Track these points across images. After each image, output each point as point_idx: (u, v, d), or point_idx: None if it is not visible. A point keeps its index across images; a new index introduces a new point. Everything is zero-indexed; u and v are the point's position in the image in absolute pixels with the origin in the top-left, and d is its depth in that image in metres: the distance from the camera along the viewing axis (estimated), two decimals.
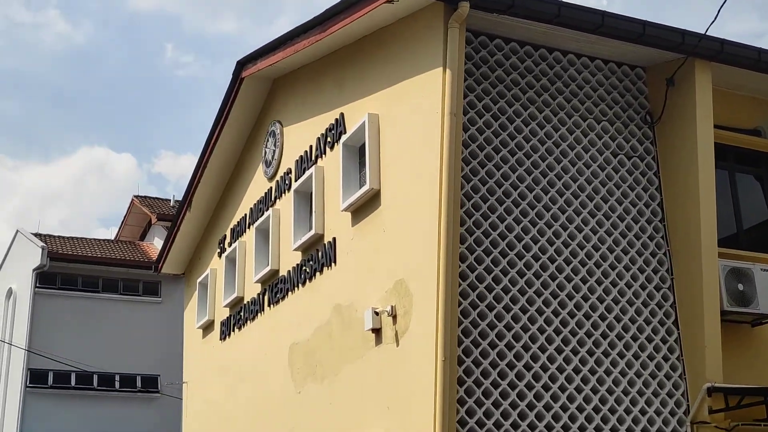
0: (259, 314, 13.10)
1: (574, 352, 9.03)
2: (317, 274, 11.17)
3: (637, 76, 10.15)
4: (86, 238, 29.35)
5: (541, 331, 8.94)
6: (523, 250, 9.09)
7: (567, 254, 9.27)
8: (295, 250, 11.74)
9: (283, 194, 12.58)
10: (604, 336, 9.21)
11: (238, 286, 13.84)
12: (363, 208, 10.09)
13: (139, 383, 26.72)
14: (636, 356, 9.28)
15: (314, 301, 11.19)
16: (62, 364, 24.46)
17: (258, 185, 13.65)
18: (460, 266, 8.62)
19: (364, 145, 10.14)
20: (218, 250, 15.20)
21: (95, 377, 26.12)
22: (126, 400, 26.46)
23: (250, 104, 13.72)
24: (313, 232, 11.21)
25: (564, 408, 8.81)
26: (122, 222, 31.68)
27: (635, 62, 10.10)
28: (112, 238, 31.57)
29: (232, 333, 14.23)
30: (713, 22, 9.14)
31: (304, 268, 11.57)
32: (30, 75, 68.64)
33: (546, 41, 9.66)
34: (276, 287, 12.47)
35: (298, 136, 12.31)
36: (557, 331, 9.01)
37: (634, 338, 9.34)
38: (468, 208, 8.93)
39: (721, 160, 10.08)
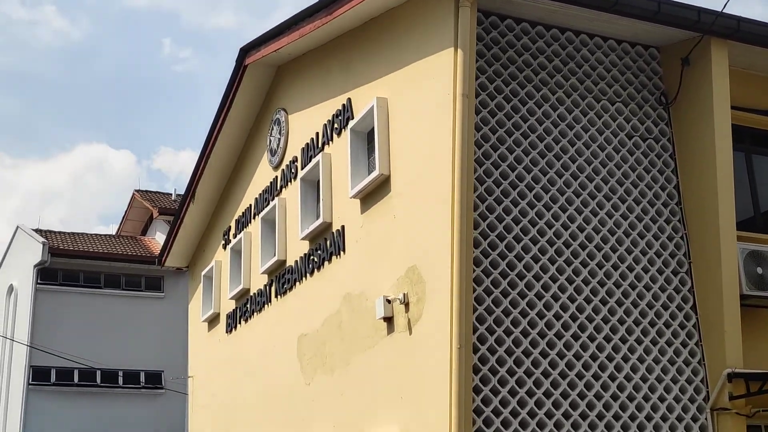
0: (266, 306, 12.90)
1: (591, 338, 8.83)
2: (326, 263, 10.96)
3: (651, 56, 9.93)
4: (87, 234, 29.15)
5: (557, 317, 8.73)
6: (537, 235, 8.88)
7: (582, 238, 9.06)
8: (303, 239, 11.53)
9: (289, 183, 12.36)
10: (621, 322, 9.00)
11: (244, 278, 13.64)
12: (372, 194, 9.87)
13: (142, 379, 26.53)
14: (654, 342, 9.08)
15: (323, 291, 10.98)
16: (65, 360, 24.28)
17: (263, 175, 13.44)
18: (473, 252, 8.41)
19: (372, 130, 9.92)
20: (223, 242, 14.99)
21: (98, 374, 25.94)
22: (130, 397, 26.29)
23: (254, 92, 13.50)
24: (320, 220, 11.00)
25: (581, 395, 8.61)
26: (123, 217, 31.47)
27: (649, 42, 9.88)
28: (114, 234, 31.35)
29: (238, 325, 14.03)
30: None
31: (312, 257, 11.36)
32: (27, 72, 68.43)
33: (557, 21, 9.44)
34: (283, 278, 12.26)
35: (304, 123, 12.09)
36: (573, 317, 8.80)
37: (652, 324, 9.13)
38: (481, 192, 8.71)
39: (737, 142, 9.86)
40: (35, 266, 25.84)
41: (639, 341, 9.02)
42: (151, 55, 73.02)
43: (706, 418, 9.02)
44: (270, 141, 13.19)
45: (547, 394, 8.47)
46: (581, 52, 9.61)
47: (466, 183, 8.26)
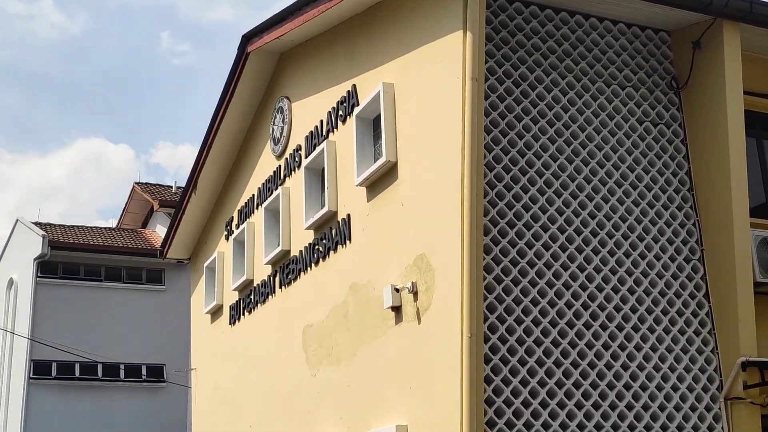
0: (270, 297, 12.73)
1: (603, 327, 8.67)
2: (331, 252, 10.79)
3: (662, 41, 9.76)
4: (87, 227, 28.95)
5: (569, 305, 8.57)
6: (548, 222, 8.71)
7: (593, 225, 8.90)
8: (307, 228, 11.36)
9: (293, 172, 12.19)
10: (633, 310, 8.85)
11: (248, 269, 13.47)
12: (379, 182, 9.70)
13: (144, 373, 26.39)
14: (666, 330, 8.93)
15: (329, 281, 10.82)
16: (66, 354, 24.13)
17: (266, 164, 13.26)
18: (483, 239, 8.24)
19: (378, 116, 9.75)
20: (225, 233, 14.82)
21: (99, 367, 25.79)
22: (131, 390, 26.15)
23: (257, 80, 13.32)
24: (326, 209, 10.83)
25: (594, 385, 8.45)
26: (123, 209, 31.28)
27: (659, 25, 9.71)
28: (114, 227, 31.17)
29: (242, 317, 13.87)
30: None
31: (317, 247, 11.19)
32: (25, 67, 68.16)
33: (567, 4, 9.27)
34: (287, 268, 12.09)
35: (308, 111, 11.91)
36: (585, 306, 8.64)
37: (664, 312, 8.98)
38: (490, 178, 8.54)
39: (748, 127, 9.68)
40: (35, 259, 25.66)
41: (651, 330, 8.86)
42: (149, 49, 72.82)
43: (719, 408, 8.87)
44: (273, 130, 13.01)
45: (559, 384, 8.31)
46: (591, 35, 9.43)
47: (476, 169, 8.09)
